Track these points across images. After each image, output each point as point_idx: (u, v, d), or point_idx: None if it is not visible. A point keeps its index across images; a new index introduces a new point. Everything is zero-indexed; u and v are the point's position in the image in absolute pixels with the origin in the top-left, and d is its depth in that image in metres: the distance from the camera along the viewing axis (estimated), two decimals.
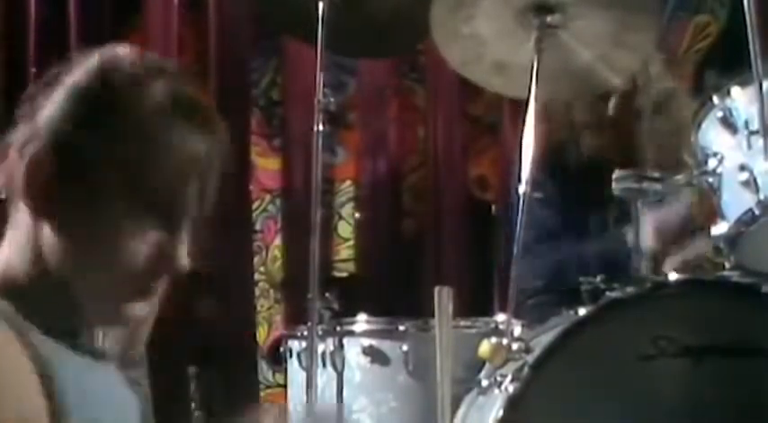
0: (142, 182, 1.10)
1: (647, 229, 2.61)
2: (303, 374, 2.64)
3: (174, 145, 1.11)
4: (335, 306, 2.69)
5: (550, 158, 2.96)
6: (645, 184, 2.39)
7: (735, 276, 2.27)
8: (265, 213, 6.04)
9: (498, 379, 2.20)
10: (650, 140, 2.89)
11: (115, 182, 1.10)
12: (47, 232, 1.12)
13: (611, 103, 2.95)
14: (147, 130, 1.11)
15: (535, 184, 2.41)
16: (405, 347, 2.59)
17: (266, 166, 6.04)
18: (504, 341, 2.21)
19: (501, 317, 2.52)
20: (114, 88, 1.11)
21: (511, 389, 2.13)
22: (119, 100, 1.11)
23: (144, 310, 1.18)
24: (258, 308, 5.89)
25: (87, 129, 1.10)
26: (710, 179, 2.28)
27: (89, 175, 1.10)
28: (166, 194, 1.12)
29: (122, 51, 1.14)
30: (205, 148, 1.13)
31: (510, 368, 2.20)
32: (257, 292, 5.91)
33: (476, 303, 3.33)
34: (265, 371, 5.81)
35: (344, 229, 5.98)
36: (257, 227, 5.99)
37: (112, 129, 1.11)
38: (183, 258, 1.16)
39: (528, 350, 2.19)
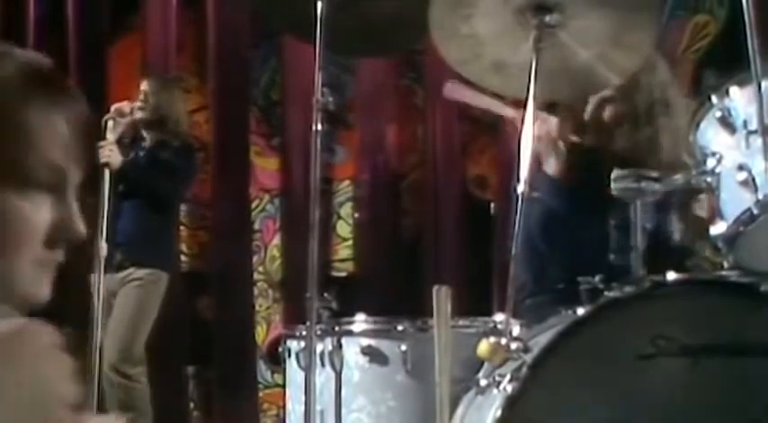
0: (18, 162, 1.09)
1: None
2: (302, 374, 2.64)
3: (34, 120, 1.10)
4: (334, 306, 2.69)
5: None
6: (643, 184, 2.39)
7: (733, 276, 2.27)
8: (264, 213, 6.05)
9: (497, 378, 2.20)
10: (646, 145, 2.90)
11: None
12: None
13: (609, 108, 2.96)
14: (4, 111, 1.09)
15: (534, 182, 2.40)
16: (403, 347, 2.59)
17: (265, 165, 6.05)
18: (503, 341, 2.21)
19: (499, 316, 2.51)
20: None
21: (509, 388, 2.13)
22: None
23: (45, 290, 1.14)
24: (257, 307, 5.91)
25: None
26: (709, 179, 2.28)
27: None
28: (45, 169, 1.11)
29: None
30: (66, 115, 1.12)
31: (508, 368, 2.20)
32: (256, 291, 5.92)
33: (474, 303, 3.33)
34: (264, 371, 5.83)
35: (343, 228, 6.00)
36: (256, 226, 6.00)
37: None
38: (79, 224, 1.14)
39: (526, 350, 2.19)
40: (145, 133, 5.11)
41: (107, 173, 4.65)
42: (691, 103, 2.69)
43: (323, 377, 2.64)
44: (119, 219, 4.87)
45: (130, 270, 4.90)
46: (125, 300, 4.88)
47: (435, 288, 2.32)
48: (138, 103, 5.03)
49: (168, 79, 5.44)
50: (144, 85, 5.12)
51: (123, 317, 4.87)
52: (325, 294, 2.69)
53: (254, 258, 5.91)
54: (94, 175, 4.64)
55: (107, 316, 4.80)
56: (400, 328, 2.65)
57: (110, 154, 4.75)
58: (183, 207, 5.65)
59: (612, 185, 2.39)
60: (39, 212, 1.11)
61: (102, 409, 4.54)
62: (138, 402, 4.86)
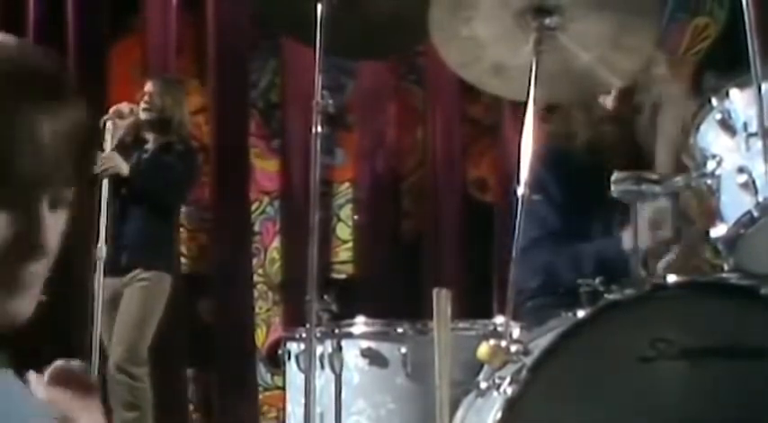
0: None
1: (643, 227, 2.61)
2: (301, 376, 2.64)
3: (18, 122, 1.02)
4: (334, 308, 2.69)
5: (552, 159, 2.96)
6: (644, 186, 2.39)
7: (733, 278, 2.27)
8: (264, 215, 6.05)
9: (496, 381, 2.20)
10: (647, 138, 2.89)
11: None
12: None
13: (610, 99, 2.95)
14: None
15: (535, 185, 2.40)
16: (403, 349, 2.58)
17: (265, 167, 6.05)
18: (503, 343, 2.21)
19: (499, 319, 2.51)
20: None
21: (509, 391, 2.13)
22: None
23: (23, 306, 1.06)
24: (257, 310, 5.90)
25: None
26: (709, 181, 2.28)
27: None
28: (13, 174, 1.02)
29: None
30: (54, 121, 1.04)
31: (508, 370, 2.20)
32: (256, 293, 5.92)
33: (474, 305, 3.33)
34: (264, 373, 5.83)
35: (343, 230, 6.00)
36: (256, 228, 6.00)
37: None
38: (47, 240, 1.04)
39: (526, 352, 2.19)
40: (147, 135, 5.11)
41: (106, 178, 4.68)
42: (690, 105, 2.69)
43: (323, 379, 2.64)
44: (124, 222, 4.90)
45: (136, 271, 4.92)
46: (130, 300, 4.90)
47: (435, 290, 2.31)
48: (143, 105, 5.03)
49: (172, 80, 5.44)
50: (148, 87, 5.12)
51: (129, 317, 4.89)
52: (325, 297, 2.69)
53: (254, 260, 5.91)
54: (96, 179, 4.66)
55: (113, 318, 4.83)
56: (400, 330, 2.64)
57: (113, 164, 4.79)
58: (182, 209, 5.66)
59: (612, 187, 2.39)
60: None
61: (106, 407, 4.54)
62: (142, 402, 4.89)
